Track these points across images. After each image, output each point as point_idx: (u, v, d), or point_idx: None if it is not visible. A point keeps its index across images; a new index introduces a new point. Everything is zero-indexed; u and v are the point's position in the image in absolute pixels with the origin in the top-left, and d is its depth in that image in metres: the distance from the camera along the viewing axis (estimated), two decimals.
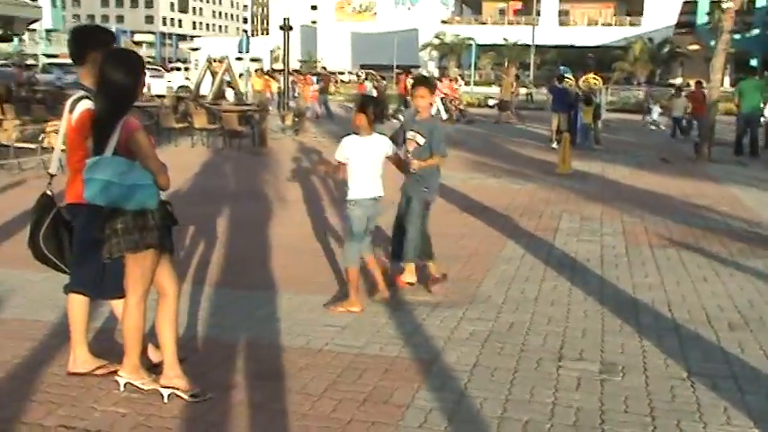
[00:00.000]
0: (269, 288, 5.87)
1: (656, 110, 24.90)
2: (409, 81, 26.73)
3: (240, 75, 28.68)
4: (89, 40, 3.97)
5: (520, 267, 6.64)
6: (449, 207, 9.45)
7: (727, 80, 47.84)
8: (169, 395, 3.75)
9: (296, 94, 26.07)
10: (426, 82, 6.16)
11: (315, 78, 28.09)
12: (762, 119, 17.57)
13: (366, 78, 30.26)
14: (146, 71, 3.83)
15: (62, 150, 4.02)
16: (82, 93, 3.82)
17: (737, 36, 59.35)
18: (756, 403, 3.91)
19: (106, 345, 4.42)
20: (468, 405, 3.85)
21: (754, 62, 58.56)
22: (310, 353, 4.51)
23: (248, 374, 4.18)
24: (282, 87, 21.51)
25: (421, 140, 5.69)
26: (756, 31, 65.88)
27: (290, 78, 27.79)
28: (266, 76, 27.21)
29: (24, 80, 29.10)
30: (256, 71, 27.94)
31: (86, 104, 3.73)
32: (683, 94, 21.95)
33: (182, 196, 9.97)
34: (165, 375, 3.80)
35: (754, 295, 5.88)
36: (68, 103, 3.88)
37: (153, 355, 4.09)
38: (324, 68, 29.71)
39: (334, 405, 3.80)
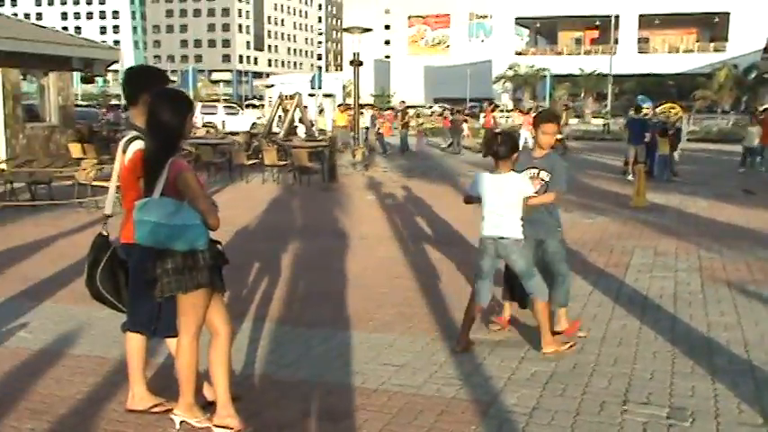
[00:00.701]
0: (329, 325, 5.86)
1: None
2: (497, 115, 26.83)
3: (321, 110, 29.23)
4: (140, 81, 4.07)
5: (587, 305, 6.43)
6: None
7: None
8: None
9: (378, 130, 26.34)
10: (556, 118, 5.88)
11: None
12: None
13: (451, 112, 30.31)
14: (193, 110, 3.89)
15: (116, 190, 4.12)
16: (134, 133, 3.91)
17: None
18: None
19: (166, 382, 4.47)
20: None
21: None
22: (366, 392, 4.46)
23: (301, 414, 4.15)
24: (354, 122, 21.76)
25: (546, 177, 5.43)
26: None
27: (371, 113, 28.16)
28: (350, 112, 27.68)
29: (105, 120, 30.38)
30: (339, 106, 28.32)
31: (139, 144, 3.81)
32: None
33: (248, 232, 10.15)
34: (218, 414, 3.81)
35: None
36: (122, 143, 3.98)
37: (208, 394, 4.11)
38: (403, 102, 29.92)
39: None
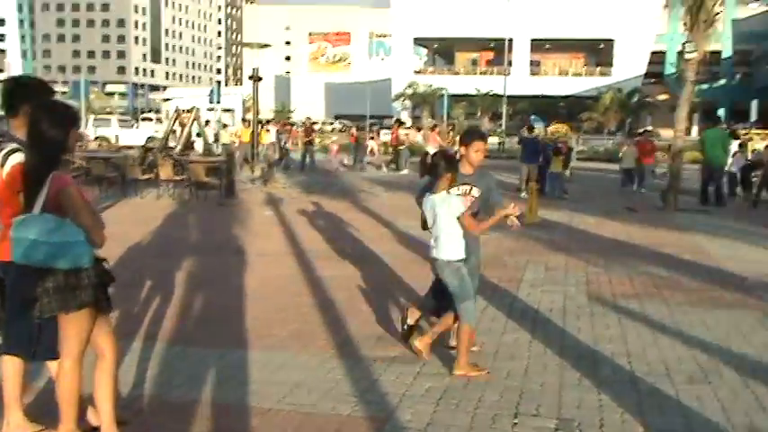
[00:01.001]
0: (224, 344, 5.73)
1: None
2: (402, 131, 27.06)
3: (207, 122, 28.80)
4: (22, 92, 3.89)
5: (481, 320, 6.52)
6: (412, 257, 9.40)
7: (695, 129, 48.89)
8: None
9: (284, 144, 26.16)
10: (484, 136, 5.82)
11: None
12: (725, 168, 17.84)
13: (357, 129, 30.35)
14: (78, 123, 3.74)
15: None
16: (14, 145, 3.72)
17: (705, 86, 61.09)
18: None
19: (46, 407, 4.25)
20: None
21: (721, 111, 60.08)
22: (260, 412, 4.38)
23: None
24: (252, 137, 21.56)
25: (477, 193, 5.47)
26: (722, 81, 67.79)
27: (276, 128, 27.93)
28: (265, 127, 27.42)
29: None
30: (244, 122, 27.86)
31: (18, 158, 3.62)
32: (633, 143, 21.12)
33: (140, 249, 9.84)
34: None
35: (714, 347, 5.84)
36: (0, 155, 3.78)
37: (93, 418, 3.93)
38: (308, 118, 29.81)
39: None
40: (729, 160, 18.59)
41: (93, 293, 3.47)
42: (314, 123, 33.17)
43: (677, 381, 5.02)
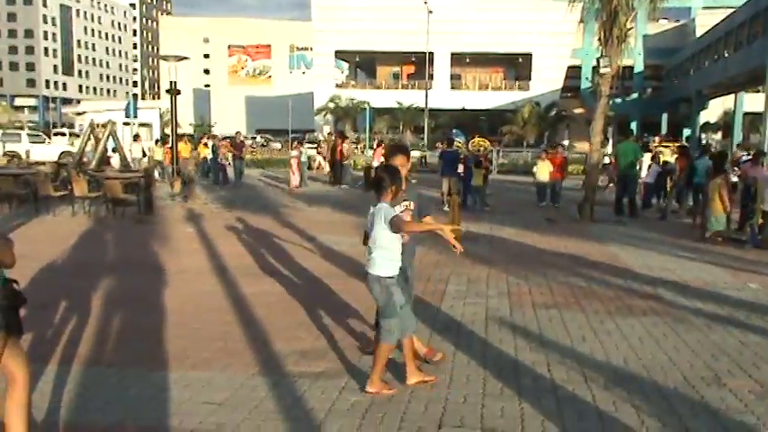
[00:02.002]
0: (143, 365, 5.59)
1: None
2: (347, 145, 26.80)
3: (136, 137, 28.15)
4: None
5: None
6: (335, 271, 9.41)
7: (610, 143, 50.59)
8: None
9: (221, 160, 25.63)
10: (405, 150, 5.79)
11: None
12: (638, 180, 18.50)
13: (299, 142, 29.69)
14: None
15: None
16: None
17: (619, 100, 63.45)
18: None
19: None
20: None
21: (633, 125, 62.50)
22: None
23: None
24: (173, 153, 21.09)
25: (412, 206, 5.49)
26: (635, 95, 70.57)
27: (211, 143, 27.37)
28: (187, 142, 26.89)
29: None
30: (183, 137, 27.13)
31: None
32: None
33: (54, 269, 9.52)
34: None
35: (629, 353, 6.06)
36: None
37: None
38: (239, 133, 29.35)
39: None
40: (644, 172, 19.30)
41: (2, 316, 3.34)
42: (245, 138, 32.70)
43: (594, 387, 5.18)
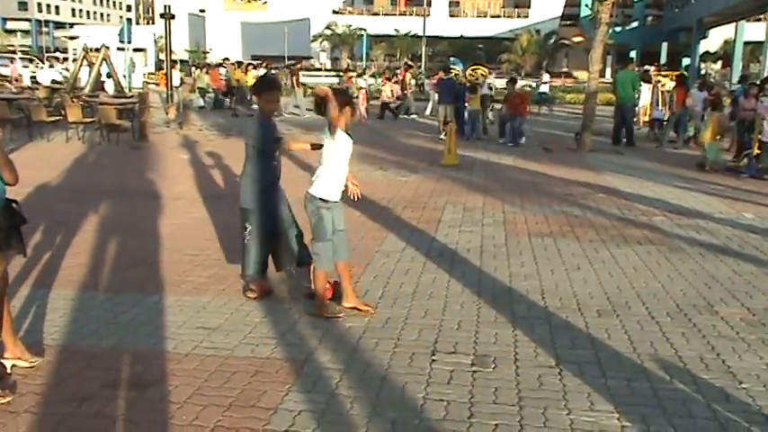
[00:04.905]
0: (138, 290, 5.60)
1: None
2: (408, 76, 25.94)
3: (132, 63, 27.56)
4: None
5: (400, 261, 6.61)
6: None
7: (609, 71, 50.00)
8: None
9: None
10: (278, 86, 5.97)
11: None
12: (636, 109, 18.29)
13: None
14: None
15: None
16: None
17: (618, 29, 62.32)
18: (618, 388, 4.01)
19: None
20: (338, 405, 3.77)
21: (633, 54, 61.54)
22: (177, 357, 4.32)
23: (105, 384, 3.93)
24: (168, 78, 20.73)
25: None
26: (635, 24, 69.31)
27: (224, 69, 26.63)
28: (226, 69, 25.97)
29: None
30: (200, 65, 26.28)
31: None
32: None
33: (49, 194, 9.47)
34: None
35: (623, 281, 6.08)
36: None
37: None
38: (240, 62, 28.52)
39: (198, 412, 3.63)
40: (642, 101, 19.07)
41: (4, 236, 3.32)
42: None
43: (588, 315, 5.21)
